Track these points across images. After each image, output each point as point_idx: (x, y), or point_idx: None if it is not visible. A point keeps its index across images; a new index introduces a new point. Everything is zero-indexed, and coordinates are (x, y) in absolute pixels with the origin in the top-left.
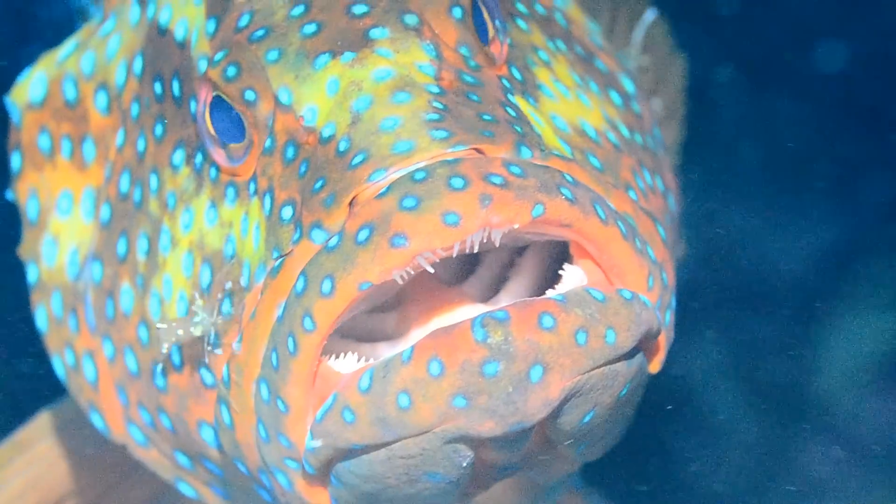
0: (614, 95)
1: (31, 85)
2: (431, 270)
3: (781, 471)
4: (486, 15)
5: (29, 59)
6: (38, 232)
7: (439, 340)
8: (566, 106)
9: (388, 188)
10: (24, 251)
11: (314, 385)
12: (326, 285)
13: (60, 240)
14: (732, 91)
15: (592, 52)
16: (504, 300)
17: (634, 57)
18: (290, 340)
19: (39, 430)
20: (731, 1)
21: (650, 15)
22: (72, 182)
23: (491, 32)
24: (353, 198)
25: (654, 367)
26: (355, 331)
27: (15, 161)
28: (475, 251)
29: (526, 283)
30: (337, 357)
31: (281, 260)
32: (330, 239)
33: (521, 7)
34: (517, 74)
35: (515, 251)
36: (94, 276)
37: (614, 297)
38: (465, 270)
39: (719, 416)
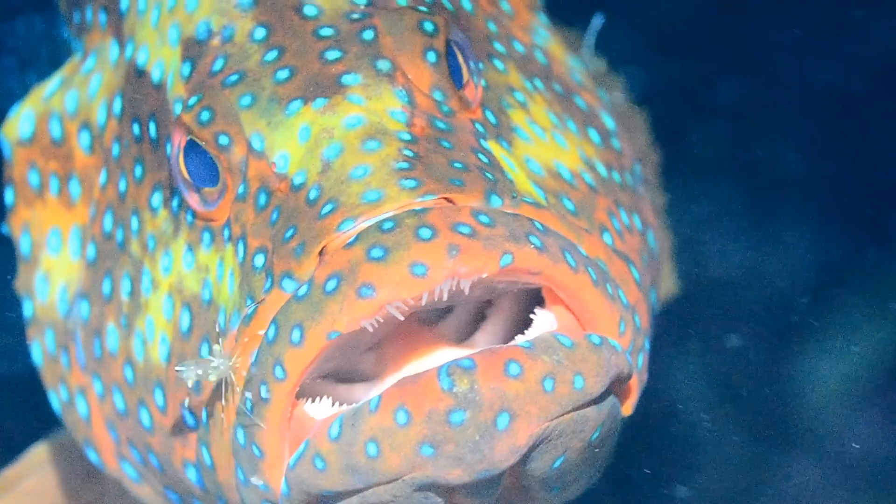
0: (593, 133)
1: (20, 121)
2: (402, 318)
3: (765, 487)
4: (460, 58)
5: None
6: (31, 267)
7: (406, 389)
8: (541, 148)
9: (357, 237)
10: (19, 285)
11: (289, 429)
12: (296, 334)
13: (51, 277)
14: (710, 115)
15: (572, 89)
16: (480, 341)
17: (589, 61)
18: (263, 388)
19: (28, 466)
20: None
21: (598, 20)
22: (60, 219)
23: (465, 76)
24: (323, 247)
25: (627, 409)
26: (334, 370)
27: (8, 196)
28: (444, 300)
29: (503, 322)
30: (313, 400)
31: (254, 308)
32: (300, 287)
33: (498, 47)
34: (491, 118)
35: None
36: (83, 315)
37: (582, 343)
38: (444, 309)
39: (703, 433)
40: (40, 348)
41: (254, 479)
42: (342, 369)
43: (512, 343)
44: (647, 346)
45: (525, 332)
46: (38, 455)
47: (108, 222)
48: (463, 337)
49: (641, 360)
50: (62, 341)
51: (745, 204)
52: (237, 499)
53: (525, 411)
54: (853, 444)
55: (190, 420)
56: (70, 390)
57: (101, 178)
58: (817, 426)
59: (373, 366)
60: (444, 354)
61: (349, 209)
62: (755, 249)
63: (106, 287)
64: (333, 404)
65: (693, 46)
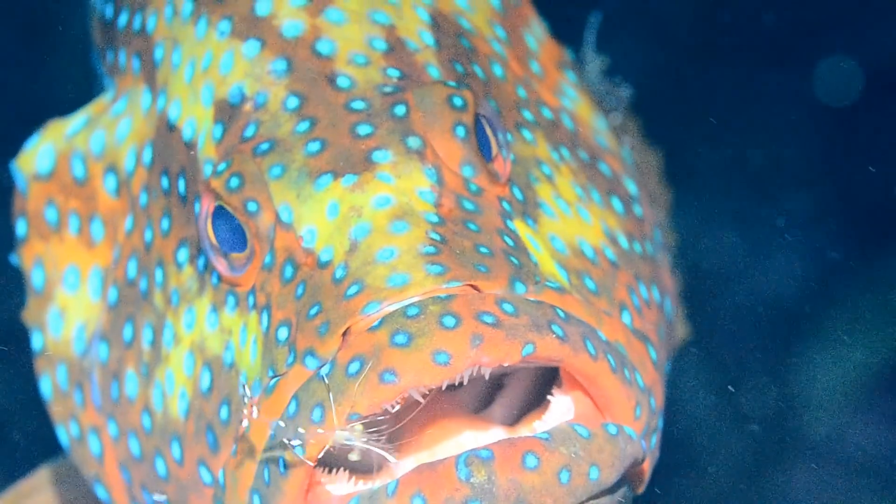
0: (616, 203)
1: (38, 156)
2: (422, 401)
3: (764, 490)
4: (489, 132)
5: None
6: (43, 301)
7: (423, 476)
8: (565, 225)
9: (381, 322)
10: (28, 317)
11: (307, 501)
12: (317, 414)
13: (67, 314)
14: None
15: (597, 154)
16: (497, 411)
17: (591, 60)
18: (281, 461)
19: (40, 482)
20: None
21: (595, 17)
22: (79, 258)
23: (494, 150)
24: (347, 328)
25: (638, 489)
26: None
27: (20, 227)
28: (464, 384)
29: (521, 387)
30: (329, 470)
31: (275, 380)
32: (322, 366)
33: (527, 115)
34: (518, 194)
35: None
36: (101, 356)
37: (599, 434)
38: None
39: (703, 437)
40: (50, 382)
41: None
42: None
43: (529, 435)
44: (661, 424)
45: (547, 398)
46: (48, 472)
47: (132, 269)
48: (482, 399)
49: (654, 440)
50: (76, 378)
51: (746, 203)
52: None
53: (540, 503)
54: (853, 445)
55: (206, 477)
56: (82, 428)
57: (127, 223)
58: (818, 427)
59: (390, 434)
60: (462, 426)
61: (374, 292)
62: (754, 251)
63: (127, 333)
64: (350, 477)
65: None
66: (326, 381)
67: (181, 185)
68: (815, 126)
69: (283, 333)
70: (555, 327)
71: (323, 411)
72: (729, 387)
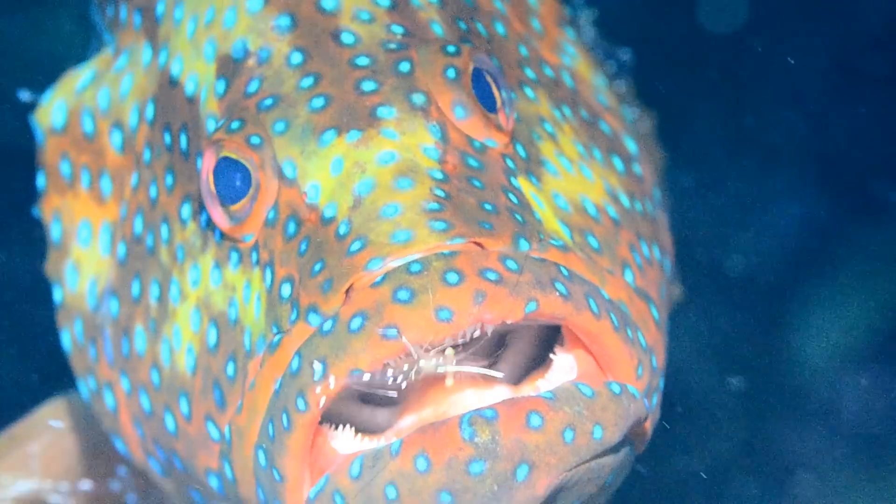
0: (616, 161)
1: (52, 110)
2: (423, 363)
3: (759, 455)
4: (493, 87)
5: None
6: (61, 255)
7: (427, 436)
8: (568, 182)
9: (384, 277)
10: (49, 271)
11: (312, 457)
12: (319, 369)
13: (81, 268)
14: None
15: (597, 113)
16: (502, 368)
17: (582, 15)
18: (285, 417)
19: (34, 427)
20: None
21: None
22: (91, 213)
23: (498, 102)
24: (350, 284)
25: (639, 448)
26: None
27: (40, 180)
28: (467, 341)
29: (524, 347)
30: (335, 426)
31: (279, 337)
32: (325, 322)
33: (529, 73)
34: (521, 151)
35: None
36: (112, 312)
37: (603, 393)
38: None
39: (697, 398)
40: (69, 336)
41: (274, 501)
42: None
43: (533, 395)
44: (662, 385)
45: (549, 357)
46: (44, 415)
47: (138, 225)
48: (486, 357)
49: (656, 399)
50: (90, 333)
51: (738, 171)
52: None
53: (544, 462)
54: (848, 409)
55: (214, 433)
56: (98, 382)
57: (133, 180)
58: (812, 391)
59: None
60: (465, 385)
61: (378, 248)
62: (749, 216)
63: (135, 289)
64: (356, 434)
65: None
66: (329, 337)
67: (183, 140)
68: (808, 90)
69: (286, 290)
70: (558, 285)
71: (325, 368)
72: (723, 351)
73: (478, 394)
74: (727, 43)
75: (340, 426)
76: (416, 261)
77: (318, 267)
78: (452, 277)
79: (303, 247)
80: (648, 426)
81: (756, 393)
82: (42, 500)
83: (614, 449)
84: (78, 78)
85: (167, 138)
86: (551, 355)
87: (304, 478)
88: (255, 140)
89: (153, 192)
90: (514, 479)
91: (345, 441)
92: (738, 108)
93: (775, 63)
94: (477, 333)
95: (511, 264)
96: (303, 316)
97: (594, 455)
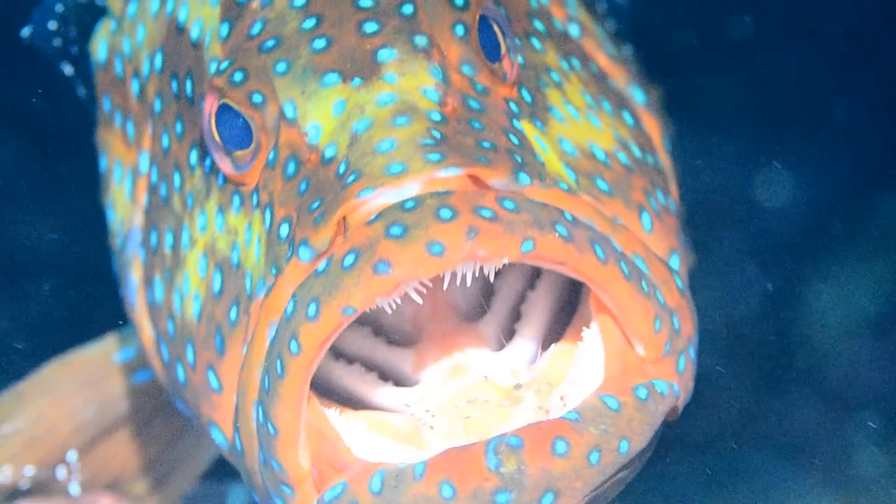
0: (627, 115)
1: (98, 46)
2: (419, 300)
3: (765, 421)
4: (498, 32)
5: None
6: (105, 186)
7: (452, 462)
8: (575, 128)
9: (378, 216)
10: (102, 196)
11: (322, 449)
12: (312, 309)
13: (115, 205)
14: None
15: (606, 69)
16: (518, 344)
17: None
18: (279, 363)
19: (41, 385)
20: None
21: None
22: (122, 154)
23: (503, 49)
24: (345, 220)
25: (671, 417)
26: (374, 363)
27: (96, 111)
28: (467, 282)
29: (542, 315)
30: (341, 409)
31: (273, 280)
32: (319, 260)
33: (538, 25)
34: (527, 96)
35: (529, 282)
36: (142, 259)
37: (629, 403)
38: (482, 306)
39: (703, 367)
40: (116, 269)
41: (270, 460)
42: (380, 364)
43: (558, 418)
44: (693, 354)
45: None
46: (50, 374)
47: (154, 175)
48: (503, 329)
49: (683, 363)
50: (120, 270)
51: (749, 138)
52: (260, 482)
53: (570, 488)
54: (858, 381)
55: (213, 383)
56: (135, 323)
57: (149, 129)
58: (820, 363)
59: (413, 366)
60: (482, 357)
61: (370, 179)
62: (757, 187)
63: (153, 239)
64: (368, 430)
65: None
66: (322, 276)
67: (188, 86)
68: (820, 55)
69: (284, 230)
70: (559, 227)
71: (318, 306)
72: (729, 322)
73: (492, 358)
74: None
75: (350, 419)
76: (410, 198)
77: (315, 204)
78: (446, 213)
79: (302, 186)
80: (680, 403)
81: (764, 367)
82: None
83: (642, 452)
84: (111, 21)
85: (174, 86)
86: (578, 342)
87: (300, 433)
88: (256, 98)
89: (165, 141)
90: None
91: (357, 432)
92: (747, 75)
93: (788, 26)
94: (477, 274)
95: (508, 204)
96: (295, 251)
97: (621, 468)
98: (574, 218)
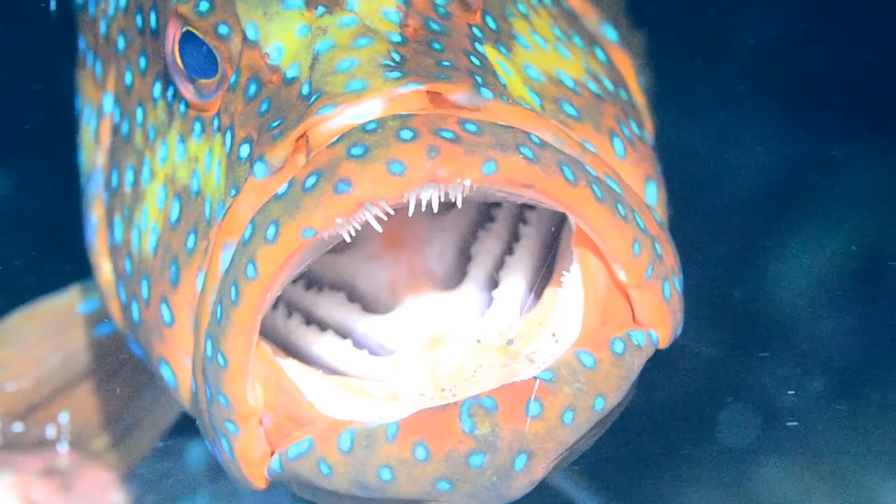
0: (598, 52)
1: None
2: (378, 227)
3: (736, 389)
4: None
5: None
6: (77, 128)
7: (426, 423)
8: (542, 57)
9: (339, 138)
10: (76, 139)
11: (281, 400)
12: (271, 231)
13: (83, 146)
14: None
15: (577, 9)
16: (495, 311)
17: None
18: (234, 290)
19: (5, 334)
20: None
21: None
22: (91, 94)
23: None
24: (307, 143)
25: (662, 345)
26: (348, 330)
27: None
28: (433, 207)
29: (523, 279)
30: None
31: (232, 200)
32: (276, 178)
33: None
34: (491, 23)
35: (507, 246)
36: (105, 201)
37: (605, 359)
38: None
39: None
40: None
41: (217, 394)
42: (353, 331)
43: (531, 378)
44: (678, 285)
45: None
46: (13, 324)
47: (116, 115)
48: (484, 289)
49: (668, 290)
50: (84, 215)
51: (711, 103)
52: (208, 423)
53: (543, 449)
54: (827, 342)
55: (167, 315)
56: (94, 265)
57: (114, 70)
58: (788, 327)
59: (388, 334)
60: (461, 326)
61: (331, 97)
62: (728, 151)
63: (114, 179)
64: (334, 386)
65: None
66: (283, 199)
67: (153, 18)
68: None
69: (244, 151)
70: (523, 148)
71: (277, 228)
72: (698, 288)
73: (476, 324)
74: None
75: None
76: (372, 120)
77: (275, 123)
78: (406, 134)
79: (263, 107)
80: (670, 333)
81: (732, 329)
82: None
83: (617, 406)
84: None
85: (139, 20)
86: (557, 291)
87: (249, 366)
88: (222, 30)
89: (128, 78)
90: (512, 469)
91: (318, 384)
92: (718, 40)
93: None
94: (439, 197)
95: (470, 126)
96: (251, 168)
97: (595, 423)
98: (541, 140)
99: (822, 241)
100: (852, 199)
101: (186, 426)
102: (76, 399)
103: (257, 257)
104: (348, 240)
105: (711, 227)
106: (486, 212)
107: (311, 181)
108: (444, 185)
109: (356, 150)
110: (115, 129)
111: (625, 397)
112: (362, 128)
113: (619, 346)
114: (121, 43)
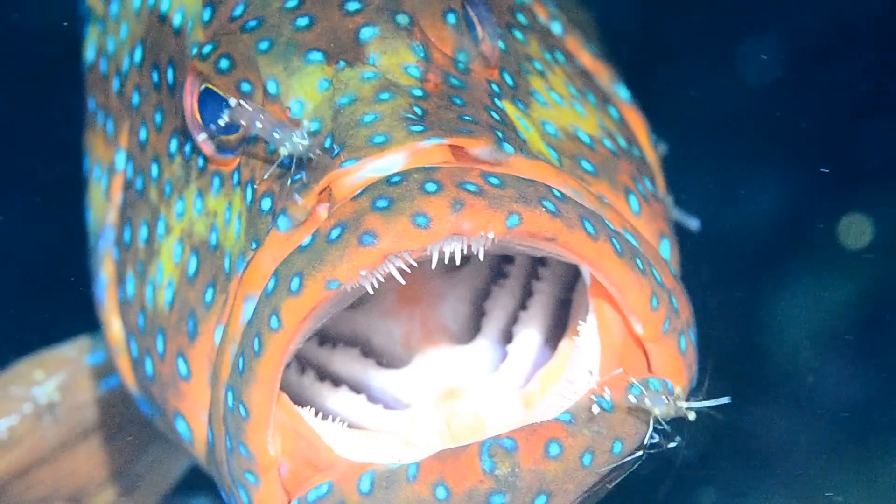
0: (612, 110)
1: (88, 48)
2: (401, 280)
3: (733, 434)
4: (472, 15)
5: None
6: (86, 188)
7: (447, 464)
8: (559, 113)
9: (364, 190)
10: (84, 200)
11: (301, 447)
12: (295, 283)
13: (92, 205)
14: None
15: (590, 67)
16: (510, 365)
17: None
18: (256, 341)
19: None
20: None
21: None
22: (101, 154)
23: (480, 33)
24: (330, 195)
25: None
26: (363, 385)
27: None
28: (456, 261)
29: (537, 334)
30: (323, 416)
31: (253, 253)
32: (300, 232)
33: (521, 18)
34: (509, 80)
35: (521, 300)
36: (115, 258)
37: (622, 404)
38: (475, 324)
39: None
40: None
41: (238, 445)
42: (368, 386)
43: (552, 420)
44: (693, 337)
45: (563, 379)
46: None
47: (129, 171)
48: (498, 345)
49: (684, 343)
50: (93, 269)
51: (719, 148)
52: (226, 474)
53: (562, 490)
54: (826, 388)
55: (183, 369)
56: (103, 322)
57: (127, 126)
58: (790, 372)
59: (403, 389)
60: (477, 380)
61: (354, 150)
62: (729, 195)
63: (127, 235)
64: (352, 433)
65: None
66: (307, 251)
67: (170, 74)
68: (784, 73)
69: (266, 204)
70: (546, 202)
71: (301, 280)
72: (699, 330)
73: (492, 378)
74: (709, 23)
75: (331, 419)
76: (396, 173)
77: (297, 177)
78: (431, 187)
79: (285, 161)
80: (686, 385)
81: (734, 375)
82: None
83: (634, 451)
84: (97, 22)
85: (155, 76)
86: (578, 325)
87: (271, 417)
88: (245, 87)
89: (143, 134)
90: None
91: (339, 439)
92: (719, 84)
93: (757, 41)
94: (462, 250)
95: (493, 180)
96: (274, 222)
97: (614, 467)
98: (563, 194)
99: (823, 289)
100: (854, 245)
101: (192, 484)
102: (80, 453)
103: (281, 308)
104: (371, 292)
105: (713, 270)
106: (498, 267)
107: (335, 233)
108: (467, 238)
109: (381, 203)
110: (128, 185)
111: (641, 443)
112: (386, 180)
113: (636, 392)
114: (135, 98)
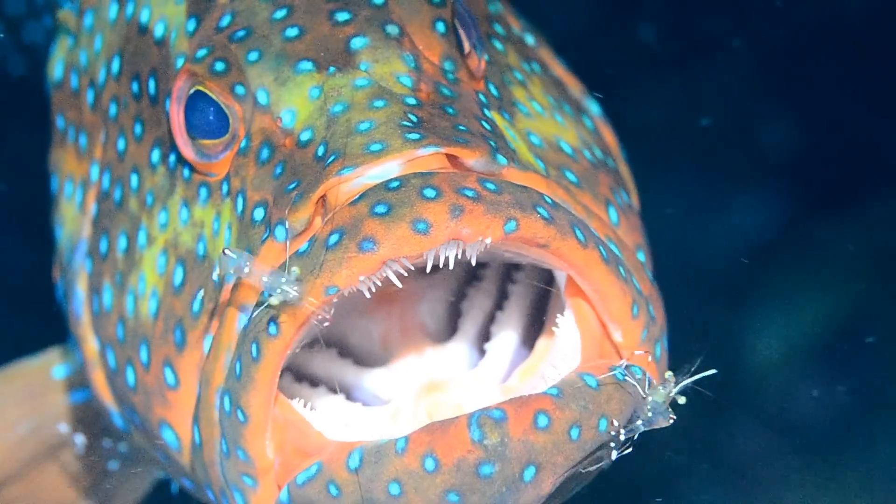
0: (587, 120)
1: (55, 66)
2: (399, 285)
3: (708, 453)
4: (460, 30)
5: None
6: (55, 206)
7: (435, 436)
8: (541, 123)
9: (362, 196)
10: (53, 218)
11: (291, 436)
12: (293, 290)
13: (64, 222)
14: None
15: (563, 78)
16: (490, 361)
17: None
18: (254, 347)
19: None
20: None
21: None
22: (73, 168)
23: (467, 47)
24: (325, 203)
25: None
26: (341, 385)
27: (50, 133)
28: (450, 265)
29: (514, 330)
30: (313, 408)
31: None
32: (297, 241)
33: (498, 28)
34: (493, 91)
35: (497, 301)
36: (88, 270)
37: (608, 383)
38: (451, 325)
39: None
40: (60, 287)
41: (235, 448)
42: (347, 385)
43: (541, 393)
44: (665, 344)
45: (543, 370)
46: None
47: (106, 182)
48: (474, 345)
49: (659, 350)
50: (68, 286)
51: (691, 170)
52: (218, 475)
53: (551, 462)
54: (798, 410)
55: (170, 378)
56: (78, 336)
57: (102, 137)
58: (761, 390)
59: (383, 385)
60: (457, 374)
61: (351, 158)
62: (705, 214)
63: (103, 246)
64: (336, 420)
65: None
66: (305, 257)
67: (151, 85)
68: (765, 87)
69: (259, 214)
70: (540, 209)
71: (300, 286)
72: (671, 349)
73: (472, 374)
74: (681, 40)
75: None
76: (394, 178)
77: (292, 185)
78: (430, 192)
79: (277, 170)
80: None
81: (706, 393)
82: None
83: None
84: (69, 37)
85: (135, 87)
86: (555, 323)
87: (269, 420)
88: (239, 90)
89: (121, 145)
90: (521, 481)
91: (328, 424)
92: (695, 103)
93: (734, 58)
94: (457, 255)
95: (490, 185)
96: (271, 232)
97: (600, 445)
98: (554, 202)
99: (798, 306)
100: (829, 264)
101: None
102: (48, 470)
103: (279, 315)
104: (368, 296)
105: (686, 292)
106: (471, 271)
107: (333, 239)
108: (464, 243)
109: (380, 208)
110: (104, 196)
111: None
112: (384, 185)
113: (619, 374)
114: (112, 110)
